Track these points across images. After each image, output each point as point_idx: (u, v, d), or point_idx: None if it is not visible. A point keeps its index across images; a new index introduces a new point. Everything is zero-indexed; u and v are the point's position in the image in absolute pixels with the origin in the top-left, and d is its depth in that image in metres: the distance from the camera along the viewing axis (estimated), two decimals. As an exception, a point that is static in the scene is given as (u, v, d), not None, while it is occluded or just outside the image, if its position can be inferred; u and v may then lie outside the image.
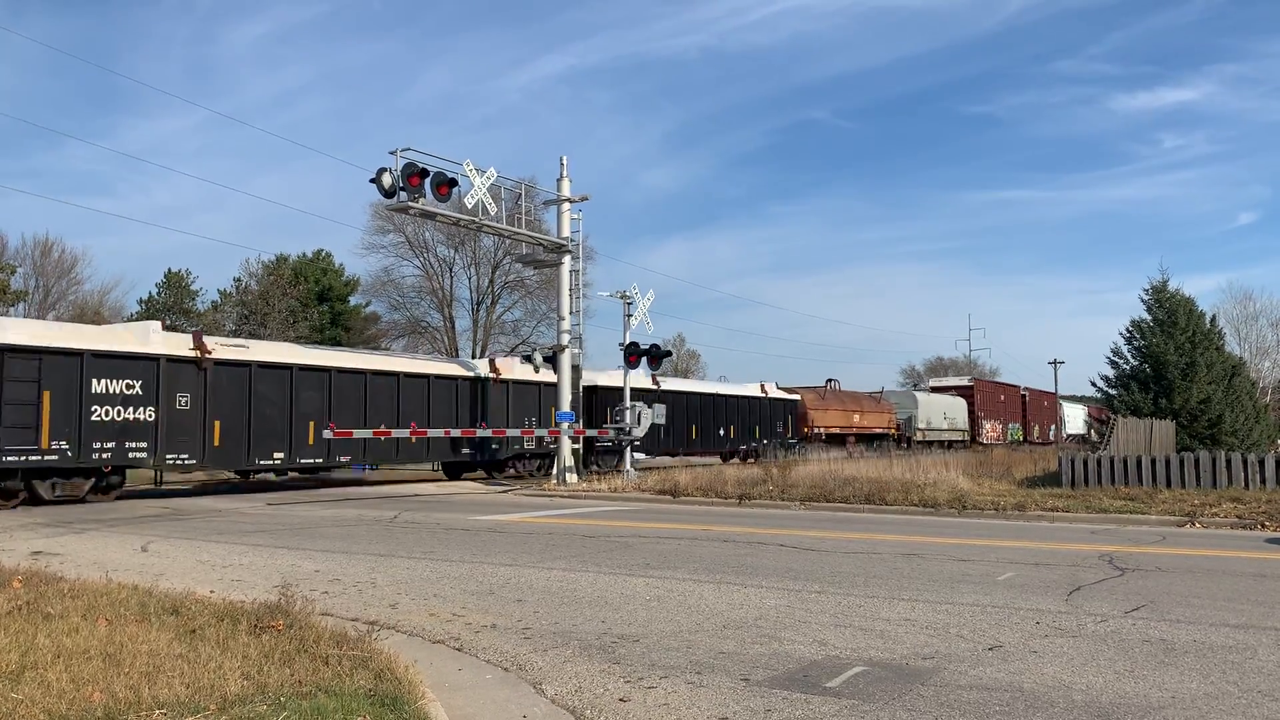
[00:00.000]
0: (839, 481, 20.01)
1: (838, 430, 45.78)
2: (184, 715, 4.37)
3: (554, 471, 24.65)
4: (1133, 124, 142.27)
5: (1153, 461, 19.31)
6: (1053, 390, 79.79)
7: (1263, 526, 14.43)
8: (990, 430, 60.29)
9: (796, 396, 43.59)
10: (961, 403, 58.26)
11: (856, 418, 47.52)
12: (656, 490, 21.39)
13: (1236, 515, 15.15)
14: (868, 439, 46.81)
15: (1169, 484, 18.64)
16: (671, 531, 14.01)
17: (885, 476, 20.88)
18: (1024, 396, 69.12)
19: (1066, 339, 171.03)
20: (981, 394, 60.76)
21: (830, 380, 51.24)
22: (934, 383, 64.73)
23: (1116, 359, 33.31)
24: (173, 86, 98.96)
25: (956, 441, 54.11)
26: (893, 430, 48.96)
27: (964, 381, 63.25)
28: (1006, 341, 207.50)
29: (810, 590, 8.69)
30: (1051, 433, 73.66)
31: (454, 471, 28.58)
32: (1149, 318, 32.79)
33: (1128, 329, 33.22)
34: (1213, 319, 34.30)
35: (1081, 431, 77.69)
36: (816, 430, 44.19)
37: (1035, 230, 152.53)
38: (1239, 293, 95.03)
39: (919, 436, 51.21)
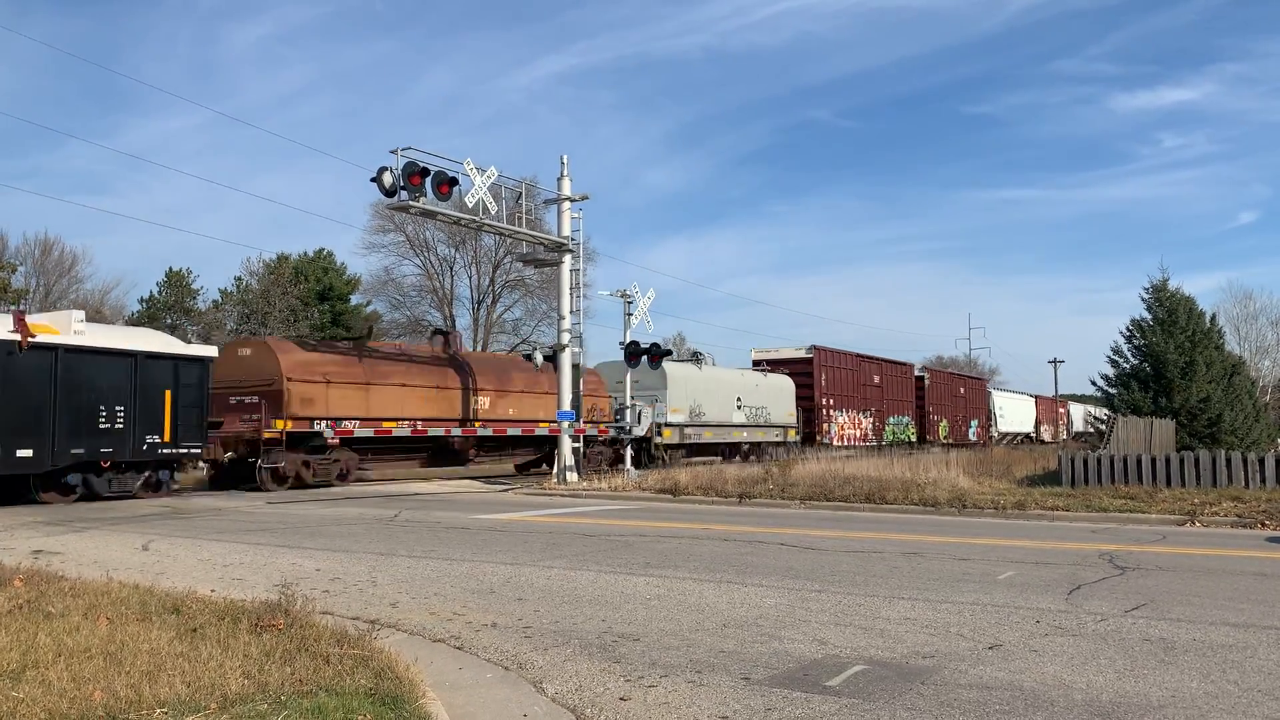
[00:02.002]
0: (839, 481, 20.02)
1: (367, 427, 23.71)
2: (185, 714, 4.38)
3: (554, 470, 24.66)
4: (1133, 124, 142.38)
5: (1153, 460, 19.32)
6: (976, 375, 69.17)
7: (1263, 525, 14.44)
8: (847, 424, 44.00)
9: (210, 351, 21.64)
10: (786, 383, 39.94)
11: (486, 401, 26.96)
12: (656, 489, 21.40)
13: (1236, 514, 15.15)
14: (523, 442, 28.63)
15: (1169, 483, 18.64)
16: (672, 530, 14.01)
17: (885, 475, 20.91)
18: (921, 379, 53.42)
19: (1066, 339, 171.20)
20: (830, 372, 43.20)
21: (441, 333, 33.26)
22: (756, 354, 44.23)
23: (1116, 358, 33.35)
24: (175, 86, 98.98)
25: (770, 443, 38.37)
26: (602, 421, 29.49)
27: (797, 353, 43.09)
28: (1006, 341, 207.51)
29: (810, 589, 8.69)
30: (973, 430, 59.13)
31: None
32: (1149, 317, 32.80)
33: (1128, 328, 33.25)
34: (1213, 318, 34.34)
35: (1026, 430, 67.77)
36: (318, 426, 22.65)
37: (1035, 230, 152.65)
38: (1239, 292, 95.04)
39: (666, 437, 32.72)
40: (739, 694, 5.32)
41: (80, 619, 6.24)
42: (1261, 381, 53.94)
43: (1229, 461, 18.81)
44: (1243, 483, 18.36)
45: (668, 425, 32.96)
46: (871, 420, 46.50)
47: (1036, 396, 74.50)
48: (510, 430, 27.85)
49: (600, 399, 30.26)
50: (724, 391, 36.70)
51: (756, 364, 43.01)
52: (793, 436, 39.87)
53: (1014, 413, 67.35)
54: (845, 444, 42.70)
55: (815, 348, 42.98)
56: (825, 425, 42.21)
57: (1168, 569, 10.10)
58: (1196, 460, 18.98)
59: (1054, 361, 78.80)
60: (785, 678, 5.66)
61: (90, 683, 4.77)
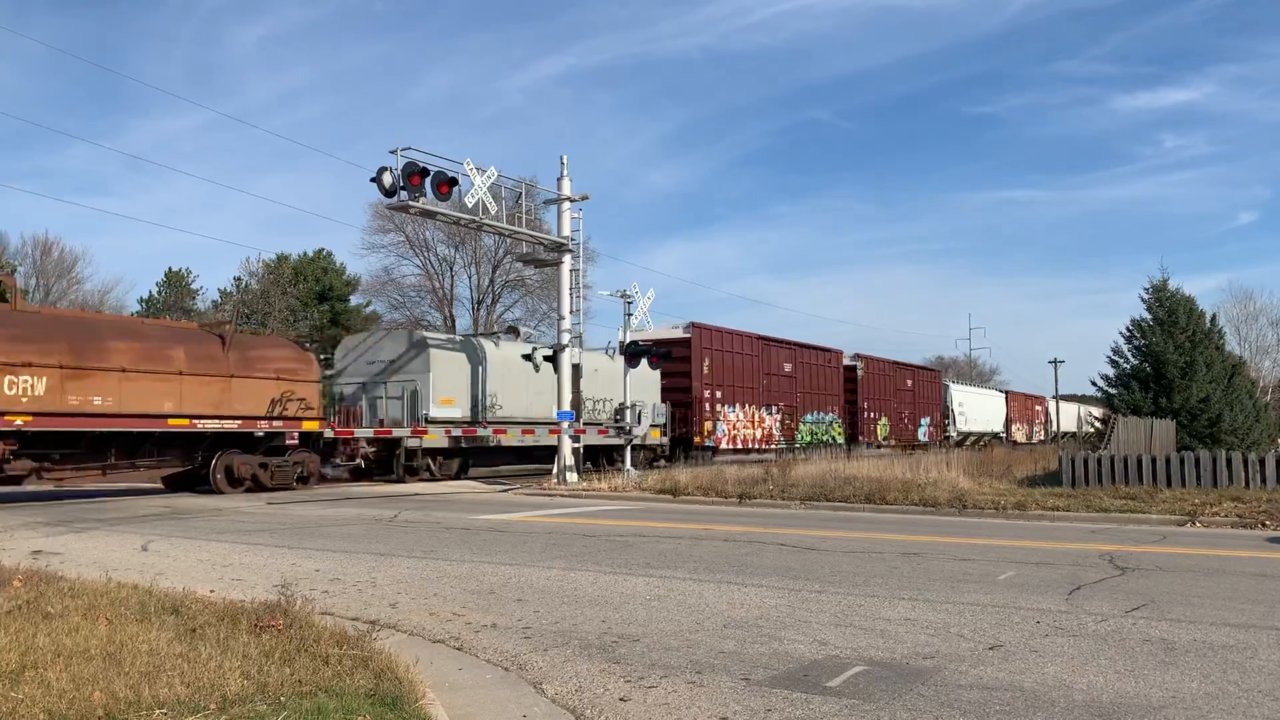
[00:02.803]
0: (839, 481, 20.02)
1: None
2: (184, 715, 4.37)
3: (554, 470, 24.66)
4: (1133, 124, 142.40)
5: (1153, 461, 19.31)
6: (928, 366, 59.42)
7: (1263, 525, 14.43)
8: (741, 422, 35.35)
9: None
10: (647, 370, 29.90)
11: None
12: (656, 489, 21.40)
13: (1237, 514, 15.14)
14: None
15: (1169, 483, 18.64)
16: (672, 531, 14.01)
17: (885, 476, 20.90)
18: (853, 369, 44.76)
19: (1067, 339, 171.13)
20: (717, 357, 34.19)
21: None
22: (636, 335, 30.76)
23: (1117, 358, 33.35)
24: (175, 87, 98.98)
25: (613, 446, 28.85)
26: (303, 412, 22.19)
27: (673, 332, 33.58)
28: (1007, 342, 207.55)
29: (810, 590, 8.69)
30: (924, 429, 52.02)
31: None
32: (1149, 317, 32.81)
33: (1128, 328, 33.25)
34: (1213, 318, 34.34)
35: (993, 430, 60.57)
36: None
37: (1036, 230, 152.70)
38: (1239, 292, 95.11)
39: (428, 439, 24.57)
40: (739, 694, 5.31)
41: (79, 619, 6.23)
42: (1262, 382, 53.93)
43: (1229, 462, 18.81)
44: (1243, 483, 18.35)
45: (431, 420, 24.76)
46: (779, 417, 37.88)
47: (1007, 392, 68.50)
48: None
49: (299, 385, 22.26)
50: (538, 380, 27.65)
51: (640, 343, 33.08)
52: (656, 437, 30.99)
53: (978, 410, 59.60)
54: (739, 447, 34.95)
55: (695, 325, 33.63)
56: (708, 424, 33.10)
57: (1168, 569, 10.10)
58: (1197, 460, 18.98)
59: (1054, 362, 78.72)
60: (785, 678, 5.65)
61: (89, 683, 4.76)
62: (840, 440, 41.35)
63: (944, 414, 54.82)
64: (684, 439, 32.86)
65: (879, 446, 43.83)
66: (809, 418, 40.60)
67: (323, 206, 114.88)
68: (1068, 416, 75.73)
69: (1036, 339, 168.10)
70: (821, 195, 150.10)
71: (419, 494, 21.86)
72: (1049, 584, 9.03)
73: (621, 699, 5.27)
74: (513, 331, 31.82)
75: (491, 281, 55.52)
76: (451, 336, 30.32)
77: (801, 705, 5.12)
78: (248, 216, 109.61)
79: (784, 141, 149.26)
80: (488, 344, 28.17)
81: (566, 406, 24.90)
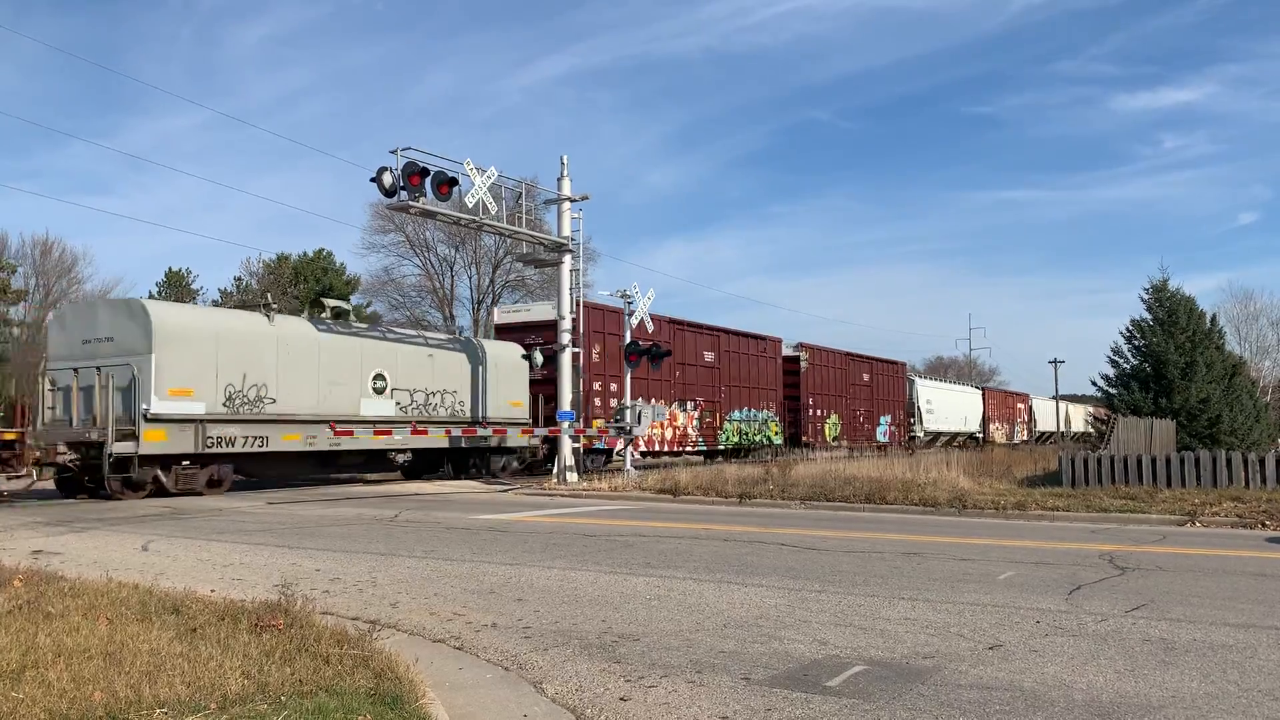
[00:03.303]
0: (839, 481, 20.02)
1: None
2: (185, 714, 4.37)
3: (555, 470, 24.67)
4: (1134, 124, 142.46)
5: (1153, 461, 19.31)
6: (889, 359, 48.64)
7: (1263, 525, 14.43)
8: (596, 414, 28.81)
9: None
10: (509, 354, 27.53)
11: None
12: (657, 489, 21.40)
13: (1237, 514, 15.14)
14: None
15: (1169, 483, 18.64)
16: (672, 530, 14.01)
17: (886, 476, 20.91)
18: (797, 358, 39.40)
19: (1067, 339, 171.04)
20: (609, 341, 29.17)
21: None
22: (499, 316, 31.58)
23: (1117, 358, 33.38)
24: (176, 87, 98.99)
25: (443, 450, 25.41)
26: None
27: (526, 315, 30.72)
28: (1007, 342, 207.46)
29: (810, 589, 8.69)
30: (884, 428, 46.49)
31: None
32: (1149, 317, 32.84)
33: (1128, 328, 33.29)
34: (1213, 318, 34.38)
35: (969, 430, 56.07)
36: None
37: (1036, 230, 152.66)
38: (1239, 292, 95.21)
39: (151, 440, 18.81)
40: (739, 694, 5.32)
41: (80, 619, 6.24)
42: (1262, 382, 53.95)
43: (1229, 462, 18.81)
44: (1243, 483, 18.35)
45: (155, 418, 18.87)
46: (698, 414, 33.10)
47: (985, 388, 63.39)
48: None
49: None
50: (339, 363, 22.55)
51: (500, 333, 30.12)
52: (523, 438, 26.61)
53: (949, 408, 54.14)
54: (644, 449, 30.01)
55: (584, 303, 28.33)
56: (599, 421, 28.36)
57: (1168, 569, 10.10)
58: (1197, 460, 18.98)
59: (1054, 362, 78.70)
60: (785, 678, 5.66)
61: (90, 683, 4.76)
62: (777, 441, 36.89)
63: (909, 412, 49.77)
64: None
65: (828, 449, 38.58)
66: (736, 415, 35.42)
67: (323, 206, 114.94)
68: (1052, 415, 72.74)
69: (1036, 339, 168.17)
70: (821, 195, 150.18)
71: (419, 494, 21.86)
72: (1049, 584, 9.03)
73: (622, 698, 5.27)
74: (317, 305, 25.49)
75: (492, 281, 55.58)
76: (197, 308, 24.51)
77: (801, 705, 5.12)
78: (248, 216, 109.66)
79: (784, 141, 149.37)
80: (255, 319, 21.68)
81: (567, 406, 24.91)
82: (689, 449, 33.12)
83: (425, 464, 26.77)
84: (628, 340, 27.41)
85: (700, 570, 9.89)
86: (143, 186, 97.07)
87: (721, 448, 34.56)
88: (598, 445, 28.11)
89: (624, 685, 5.53)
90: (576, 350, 25.55)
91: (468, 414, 26.04)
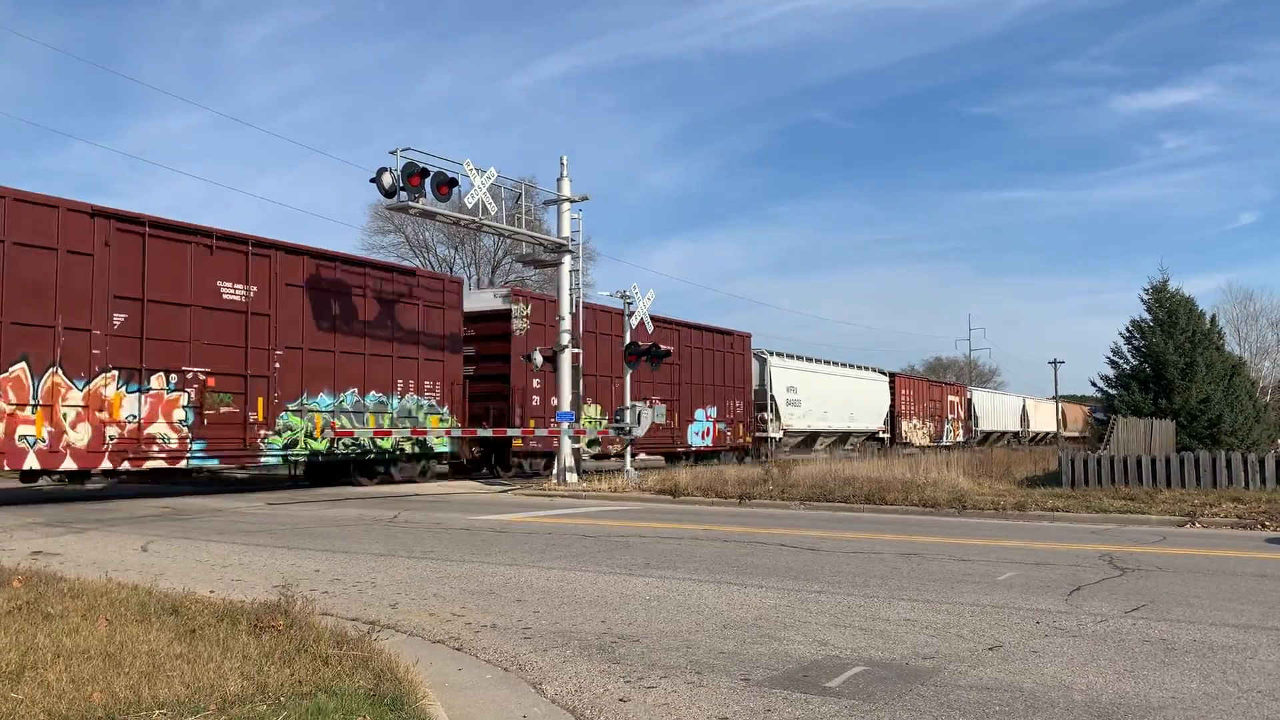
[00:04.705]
0: (839, 481, 20.02)
1: None
2: (184, 715, 4.37)
3: (554, 471, 24.66)
4: (1134, 125, 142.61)
5: (1153, 461, 19.32)
6: (724, 330, 35.22)
7: (1263, 526, 14.43)
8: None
9: None
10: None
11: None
12: (656, 490, 21.40)
13: (1237, 515, 15.14)
14: None
15: (1169, 484, 18.64)
16: (672, 531, 14.00)
17: (885, 476, 20.90)
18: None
19: (1067, 339, 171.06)
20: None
21: None
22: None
23: (1116, 359, 33.39)
24: (177, 87, 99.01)
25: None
26: None
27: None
28: (1007, 343, 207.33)
29: (810, 590, 8.69)
30: (704, 426, 33.29)
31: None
32: (1149, 317, 32.84)
33: (1128, 329, 33.30)
34: (1213, 319, 34.38)
35: (867, 428, 45.71)
36: None
37: (1036, 230, 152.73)
38: (1239, 293, 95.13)
39: None
40: (739, 695, 5.31)
41: (79, 620, 6.23)
42: (1262, 382, 53.91)
43: (1229, 462, 18.81)
44: (1243, 483, 18.36)
45: None
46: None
47: (896, 375, 50.91)
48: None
49: None
50: None
51: None
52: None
53: (828, 398, 41.48)
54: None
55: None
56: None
57: (1168, 570, 10.10)
58: (1196, 461, 18.98)
59: (1054, 362, 78.69)
60: (785, 679, 5.65)
61: (89, 684, 4.76)
62: (443, 446, 25.32)
63: (762, 403, 37.59)
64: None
65: (609, 455, 29.01)
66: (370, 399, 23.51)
67: (323, 206, 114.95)
68: (1004, 411, 64.59)
69: (1036, 339, 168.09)
70: (821, 195, 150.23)
71: (419, 494, 21.86)
72: (1048, 584, 9.03)
73: (621, 699, 5.27)
74: None
75: (491, 282, 55.52)
76: None
77: (801, 705, 5.11)
78: (248, 217, 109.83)
79: (784, 142, 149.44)
80: None
81: (567, 407, 24.88)
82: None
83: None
84: (628, 340, 27.39)
85: (700, 571, 9.88)
86: (144, 187, 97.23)
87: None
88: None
89: (623, 686, 5.52)
90: (577, 350, 25.52)
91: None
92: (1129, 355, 33.05)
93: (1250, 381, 41.36)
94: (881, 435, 47.30)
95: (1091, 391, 37.12)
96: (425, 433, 23.76)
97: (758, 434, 37.18)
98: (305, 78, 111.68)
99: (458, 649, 6.46)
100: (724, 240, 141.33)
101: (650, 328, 28.46)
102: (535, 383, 27.30)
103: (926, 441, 50.74)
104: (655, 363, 27.26)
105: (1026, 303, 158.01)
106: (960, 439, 55.49)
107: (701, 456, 33.12)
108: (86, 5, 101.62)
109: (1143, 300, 33.42)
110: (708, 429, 33.99)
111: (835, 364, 44.47)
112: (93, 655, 5.32)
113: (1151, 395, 31.13)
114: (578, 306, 25.72)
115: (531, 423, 26.40)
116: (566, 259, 25.26)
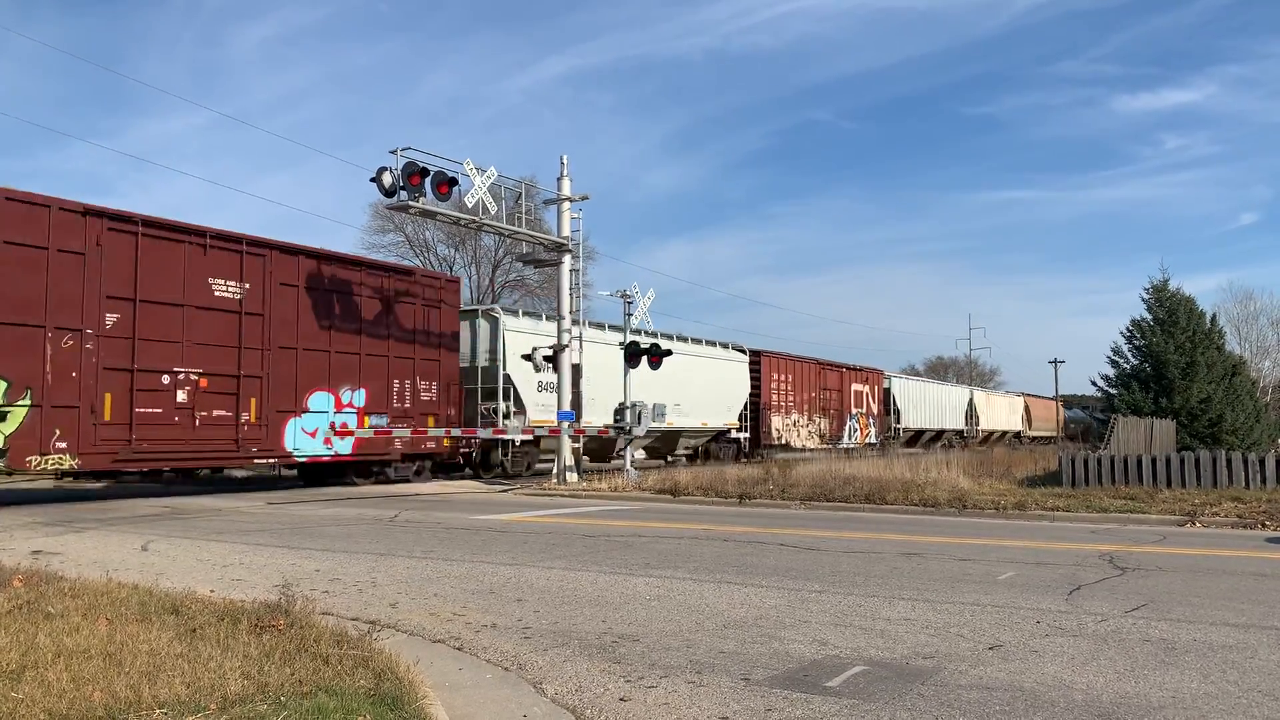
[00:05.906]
0: (839, 481, 20.02)
1: None
2: (184, 715, 4.37)
3: (555, 471, 24.65)
4: (1135, 125, 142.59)
5: (1153, 461, 19.31)
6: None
7: (1263, 526, 14.43)
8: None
9: None
10: None
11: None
12: (657, 490, 21.40)
13: (1237, 514, 15.14)
14: None
15: (1169, 483, 18.64)
16: (672, 531, 14.00)
17: (885, 476, 20.90)
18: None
19: (1067, 339, 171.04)
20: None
21: None
22: None
23: (1117, 358, 33.43)
24: (178, 88, 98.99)
25: None
26: None
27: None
28: (1008, 342, 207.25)
29: (810, 590, 8.69)
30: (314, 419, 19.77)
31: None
32: (1149, 317, 32.87)
33: (1128, 328, 33.33)
34: (1213, 318, 34.40)
35: (716, 425, 33.42)
36: None
37: (1037, 230, 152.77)
38: (1239, 292, 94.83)
39: None
40: (739, 694, 5.32)
41: (80, 619, 6.23)
42: (1262, 382, 53.90)
43: (1229, 462, 18.81)
44: (1243, 483, 18.36)
45: None
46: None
47: (761, 353, 37.51)
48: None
49: None
50: None
51: None
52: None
53: (618, 383, 26.19)
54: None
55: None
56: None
57: (1168, 569, 10.10)
58: (1197, 460, 18.98)
59: (1054, 362, 78.60)
60: (785, 678, 5.65)
61: (90, 683, 4.76)
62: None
63: (495, 388, 26.13)
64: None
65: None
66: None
67: (323, 206, 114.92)
68: (945, 407, 53.52)
69: (1037, 339, 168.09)
70: (821, 195, 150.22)
71: (419, 494, 21.86)
72: (1049, 584, 9.03)
73: (621, 699, 5.27)
74: None
75: (491, 281, 55.54)
76: None
77: (801, 705, 5.12)
78: (249, 217, 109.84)
79: (785, 142, 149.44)
80: None
81: (567, 407, 24.89)
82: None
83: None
84: (628, 340, 27.37)
85: (700, 570, 9.88)
86: (144, 187, 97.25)
87: None
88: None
89: (624, 685, 5.52)
90: (577, 350, 25.49)
91: None
92: (1129, 355, 33.09)
93: (1251, 381, 41.38)
94: (736, 436, 35.50)
95: (1091, 391, 37.15)
96: (424, 432, 23.77)
97: (493, 433, 24.95)
98: (306, 78, 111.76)
99: (458, 648, 6.46)
100: (724, 240, 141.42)
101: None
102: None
103: (815, 443, 39.00)
104: (656, 362, 26.85)
105: (1026, 303, 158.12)
106: (871, 439, 43.92)
107: (330, 471, 23.28)
108: (88, 5, 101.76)
109: (1143, 300, 33.48)
110: (344, 424, 22.28)
111: (646, 333, 29.38)
112: (93, 654, 5.32)
113: (1152, 394, 31.15)
114: (578, 305, 25.73)
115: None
116: (566, 258, 25.26)
